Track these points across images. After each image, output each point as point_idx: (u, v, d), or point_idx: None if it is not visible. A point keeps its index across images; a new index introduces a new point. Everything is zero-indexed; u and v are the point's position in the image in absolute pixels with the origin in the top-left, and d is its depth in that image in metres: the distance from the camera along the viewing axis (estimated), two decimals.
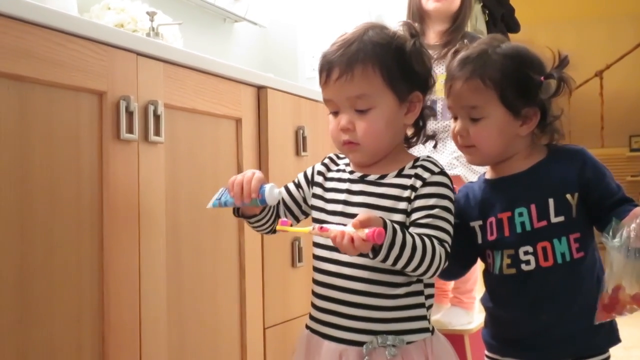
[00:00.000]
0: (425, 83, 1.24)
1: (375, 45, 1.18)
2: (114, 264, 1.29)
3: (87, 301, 1.25)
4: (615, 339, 1.30)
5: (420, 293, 1.19)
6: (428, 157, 1.22)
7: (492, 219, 1.29)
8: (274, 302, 1.81)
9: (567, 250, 1.24)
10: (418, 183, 1.18)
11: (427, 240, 1.11)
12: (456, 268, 1.37)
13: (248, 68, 1.78)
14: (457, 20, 2.41)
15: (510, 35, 3.83)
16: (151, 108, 1.37)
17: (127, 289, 1.33)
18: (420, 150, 2.59)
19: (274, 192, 1.16)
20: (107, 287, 1.28)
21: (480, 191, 1.35)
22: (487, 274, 1.34)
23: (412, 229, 1.14)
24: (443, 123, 2.35)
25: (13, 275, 1.11)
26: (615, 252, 1.15)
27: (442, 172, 1.20)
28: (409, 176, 1.19)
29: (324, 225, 1.07)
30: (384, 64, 1.18)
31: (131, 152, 1.34)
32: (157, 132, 1.40)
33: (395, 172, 1.21)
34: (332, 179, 1.27)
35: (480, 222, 1.32)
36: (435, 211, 1.16)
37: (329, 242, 1.09)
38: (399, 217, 1.17)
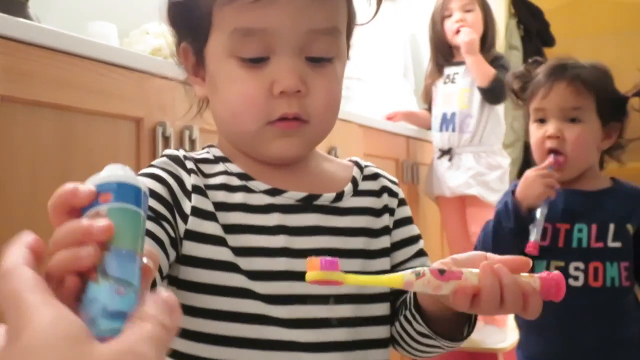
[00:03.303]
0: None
1: None
2: None
3: None
4: None
5: None
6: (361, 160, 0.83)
7: (548, 226, 1.29)
8: None
9: (617, 276, 1.26)
10: (394, 202, 0.78)
11: None
12: None
13: None
14: (487, 41, 2.48)
15: (547, 49, 3.82)
16: (187, 133, 1.42)
17: None
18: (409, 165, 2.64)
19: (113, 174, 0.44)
20: None
21: None
22: None
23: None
24: (460, 136, 2.37)
25: None
26: None
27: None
28: (373, 192, 0.77)
29: (447, 269, 0.59)
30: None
31: None
32: None
33: (349, 187, 0.76)
34: (228, 207, 0.70)
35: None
36: (421, 244, 0.80)
37: (274, 312, 0.67)
38: (380, 263, 0.74)
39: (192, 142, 1.44)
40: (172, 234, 0.66)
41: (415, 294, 0.69)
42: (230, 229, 0.68)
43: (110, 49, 1.28)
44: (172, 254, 0.66)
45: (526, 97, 1.35)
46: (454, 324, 0.68)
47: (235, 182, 0.72)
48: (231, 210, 0.70)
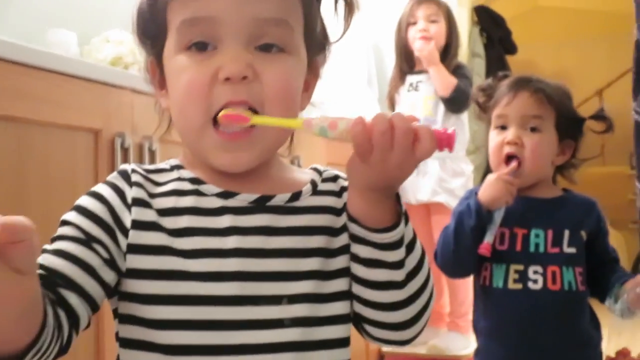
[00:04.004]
0: (324, 57, 0.80)
1: None
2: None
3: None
4: None
5: None
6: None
7: (505, 231, 1.31)
8: None
9: (573, 280, 1.28)
10: None
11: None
12: (469, 267, 1.35)
13: None
14: (450, 51, 2.51)
15: (510, 57, 3.87)
16: (146, 144, 1.40)
17: None
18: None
19: None
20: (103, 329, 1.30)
21: None
22: (485, 289, 1.33)
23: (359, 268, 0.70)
24: None
25: None
26: (618, 314, 1.23)
27: None
28: (333, 192, 0.75)
29: (332, 117, 0.62)
30: None
31: None
32: None
33: (308, 188, 0.74)
34: (177, 211, 0.69)
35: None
36: None
37: (226, 315, 0.66)
38: (341, 260, 0.71)
39: (152, 154, 1.42)
40: (106, 255, 0.66)
41: (347, 210, 0.68)
42: (179, 232, 0.67)
43: (66, 60, 1.26)
44: (110, 275, 0.66)
45: (489, 105, 1.37)
46: (386, 217, 0.66)
47: (187, 186, 0.70)
48: (180, 214, 0.68)
